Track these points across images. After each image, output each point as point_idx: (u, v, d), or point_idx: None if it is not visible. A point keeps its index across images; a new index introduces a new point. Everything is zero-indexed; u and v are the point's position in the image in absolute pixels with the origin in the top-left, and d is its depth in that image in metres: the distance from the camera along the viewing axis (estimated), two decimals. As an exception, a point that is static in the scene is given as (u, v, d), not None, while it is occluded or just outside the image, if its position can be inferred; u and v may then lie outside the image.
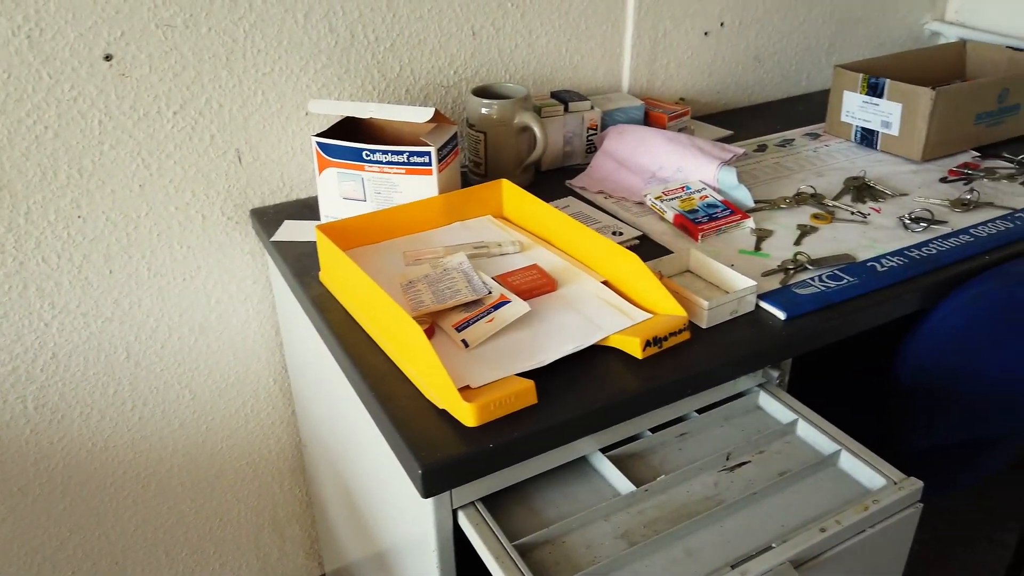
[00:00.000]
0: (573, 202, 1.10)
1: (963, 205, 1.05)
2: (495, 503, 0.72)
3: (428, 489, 0.64)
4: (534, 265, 0.89)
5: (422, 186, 0.96)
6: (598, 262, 0.88)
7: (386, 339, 0.78)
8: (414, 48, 1.14)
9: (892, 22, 1.59)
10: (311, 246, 0.99)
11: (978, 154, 1.22)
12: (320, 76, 1.09)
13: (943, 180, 1.13)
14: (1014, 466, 1.73)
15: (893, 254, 0.94)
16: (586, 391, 0.72)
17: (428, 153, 0.94)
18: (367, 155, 0.95)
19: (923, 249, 0.95)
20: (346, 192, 0.98)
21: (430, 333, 0.78)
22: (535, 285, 0.85)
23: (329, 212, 1.01)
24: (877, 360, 1.26)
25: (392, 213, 0.95)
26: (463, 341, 0.76)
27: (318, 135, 0.96)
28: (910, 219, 1.01)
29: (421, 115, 0.95)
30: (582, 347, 0.76)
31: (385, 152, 0.95)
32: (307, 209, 1.10)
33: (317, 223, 1.00)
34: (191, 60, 1.00)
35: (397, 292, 0.85)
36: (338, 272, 0.85)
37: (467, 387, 0.70)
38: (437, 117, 0.98)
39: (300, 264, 0.95)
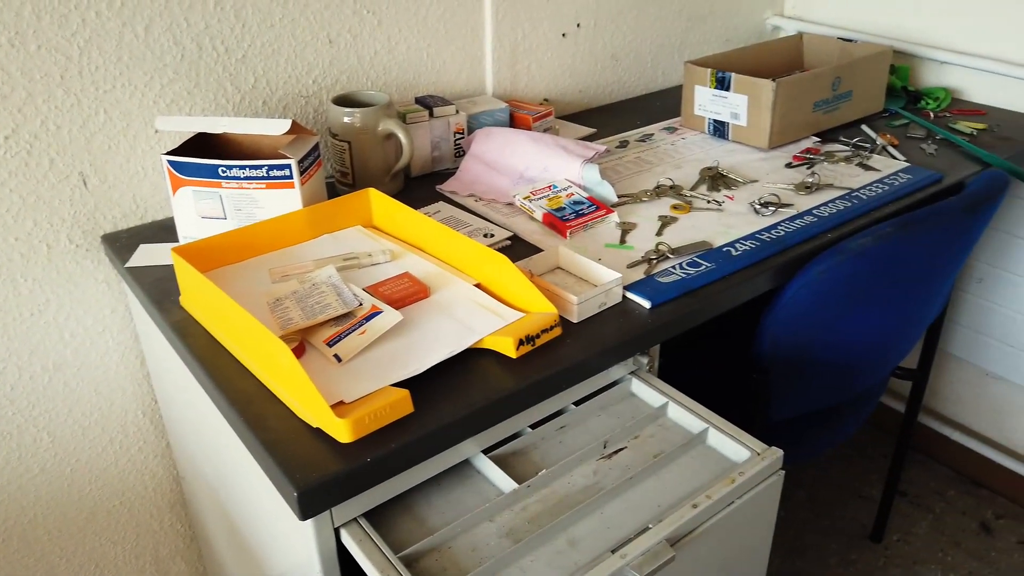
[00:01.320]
0: (444, 207, 1.10)
1: (806, 188, 1.12)
2: (379, 516, 0.71)
3: (305, 511, 0.63)
4: (406, 273, 0.88)
5: (285, 200, 0.93)
6: (470, 265, 0.89)
7: (254, 360, 0.75)
8: (268, 58, 1.11)
9: (737, 18, 1.69)
10: (170, 270, 0.94)
11: (818, 139, 1.31)
12: (168, 91, 1.04)
13: (788, 165, 1.21)
14: (871, 423, 1.88)
15: (746, 238, 1.00)
16: (463, 395, 0.72)
17: (288, 166, 0.91)
18: (223, 171, 0.91)
19: (772, 232, 1.01)
20: (204, 211, 0.94)
21: (300, 351, 0.76)
22: (407, 293, 0.84)
23: (187, 233, 0.96)
24: (740, 339, 1.34)
25: (255, 230, 0.92)
26: (335, 356, 0.75)
27: (169, 153, 0.92)
28: (760, 204, 1.08)
29: (278, 127, 0.93)
30: (457, 351, 0.76)
31: (243, 167, 0.91)
32: (164, 231, 1.05)
33: (174, 245, 0.96)
34: (20, 80, 0.93)
35: (264, 311, 0.82)
36: (198, 295, 0.82)
37: (341, 402, 0.69)
38: (296, 128, 0.95)
39: (159, 289, 0.90)
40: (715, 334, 1.36)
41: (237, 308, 0.73)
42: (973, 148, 1.25)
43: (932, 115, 1.41)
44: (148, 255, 0.98)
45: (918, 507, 1.66)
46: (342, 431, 0.66)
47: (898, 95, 1.49)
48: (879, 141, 1.29)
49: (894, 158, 1.23)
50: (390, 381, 0.72)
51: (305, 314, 0.80)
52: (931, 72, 1.54)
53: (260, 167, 0.91)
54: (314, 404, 0.67)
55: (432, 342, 0.77)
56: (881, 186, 1.12)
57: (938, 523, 1.62)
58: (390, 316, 0.79)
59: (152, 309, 0.88)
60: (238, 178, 0.92)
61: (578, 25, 1.43)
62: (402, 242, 0.97)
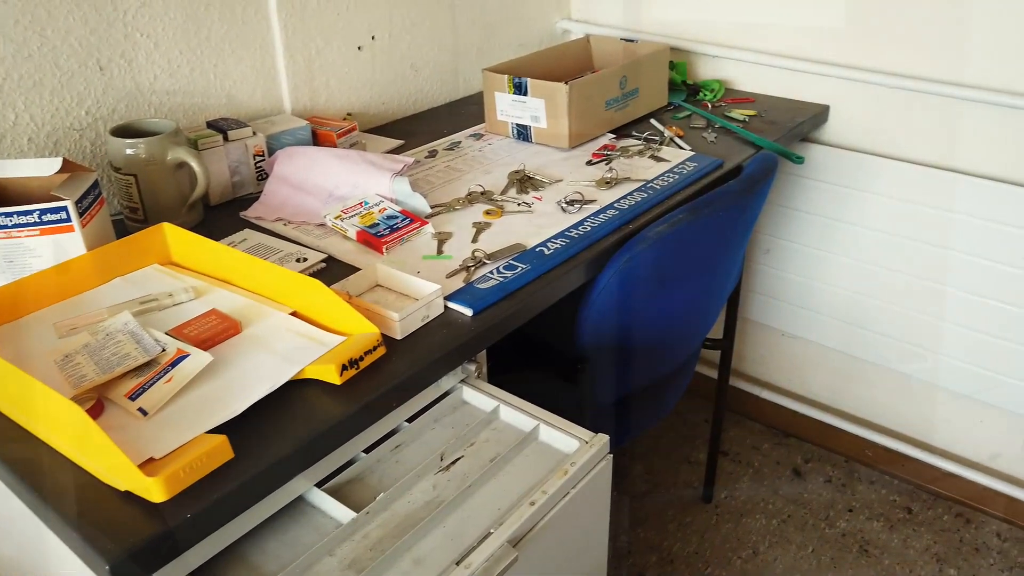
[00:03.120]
0: (251, 234, 1.05)
1: (607, 183, 1.19)
2: (211, 571, 0.67)
3: (121, 584, 0.58)
4: (213, 310, 0.84)
5: (65, 245, 0.85)
6: (283, 294, 0.86)
7: (44, 427, 0.68)
8: (29, 91, 1.00)
9: (529, 23, 1.75)
10: (-69, 337, 0.83)
11: (613, 136, 1.39)
12: (-94, 135, 0.91)
13: (588, 163, 1.28)
14: (690, 393, 2.02)
15: (556, 237, 1.04)
16: (287, 430, 0.69)
17: (64, 208, 0.83)
18: (-15, 221, 0.82)
19: (579, 228, 1.06)
20: (-33, 267, 0.84)
21: (98, 409, 0.70)
22: (216, 332, 0.80)
23: (-51, 293, 0.85)
24: (563, 333, 1.39)
25: (33, 282, 0.83)
26: (140, 410, 0.69)
27: (-87, 206, 0.81)
28: (566, 203, 1.12)
29: (47, 167, 0.85)
30: (277, 386, 0.73)
31: (9, 214, 0.82)
32: (-80, 294, 0.92)
33: (-66, 309, 0.84)
34: None
35: (51, 371, 0.74)
36: (-32, 363, 0.72)
37: (151, 459, 0.64)
38: (69, 166, 0.87)
39: (-82, 362, 0.79)
40: (539, 330, 1.41)
41: (16, 372, 0.65)
42: (746, 133, 1.38)
43: (710, 106, 1.54)
44: (-99, 324, 0.86)
45: (739, 463, 1.82)
46: (154, 490, 0.61)
47: (679, 89, 1.61)
48: (667, 133, 1.39)
49: (681, 148, 1.33)
50: (205, 428, 0.67)
51: (100, 368, 0.73)
52: (706, 66, 1.68)
53: (30, 212, 0.83)
54: (119, 466, 0.61)
55: (249, 380, 0.74)
56: (672, 175, 1.21)
57: (757, 476, 1.78)
58: (198, 359, 0.74)
59: (-88, 385, 0.77)
60: (5, 227, 0.83)
61: (373, 37, 1.42)
62: (206, 277, 0.91)
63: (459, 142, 1.38)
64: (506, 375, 1.05)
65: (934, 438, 1.68)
